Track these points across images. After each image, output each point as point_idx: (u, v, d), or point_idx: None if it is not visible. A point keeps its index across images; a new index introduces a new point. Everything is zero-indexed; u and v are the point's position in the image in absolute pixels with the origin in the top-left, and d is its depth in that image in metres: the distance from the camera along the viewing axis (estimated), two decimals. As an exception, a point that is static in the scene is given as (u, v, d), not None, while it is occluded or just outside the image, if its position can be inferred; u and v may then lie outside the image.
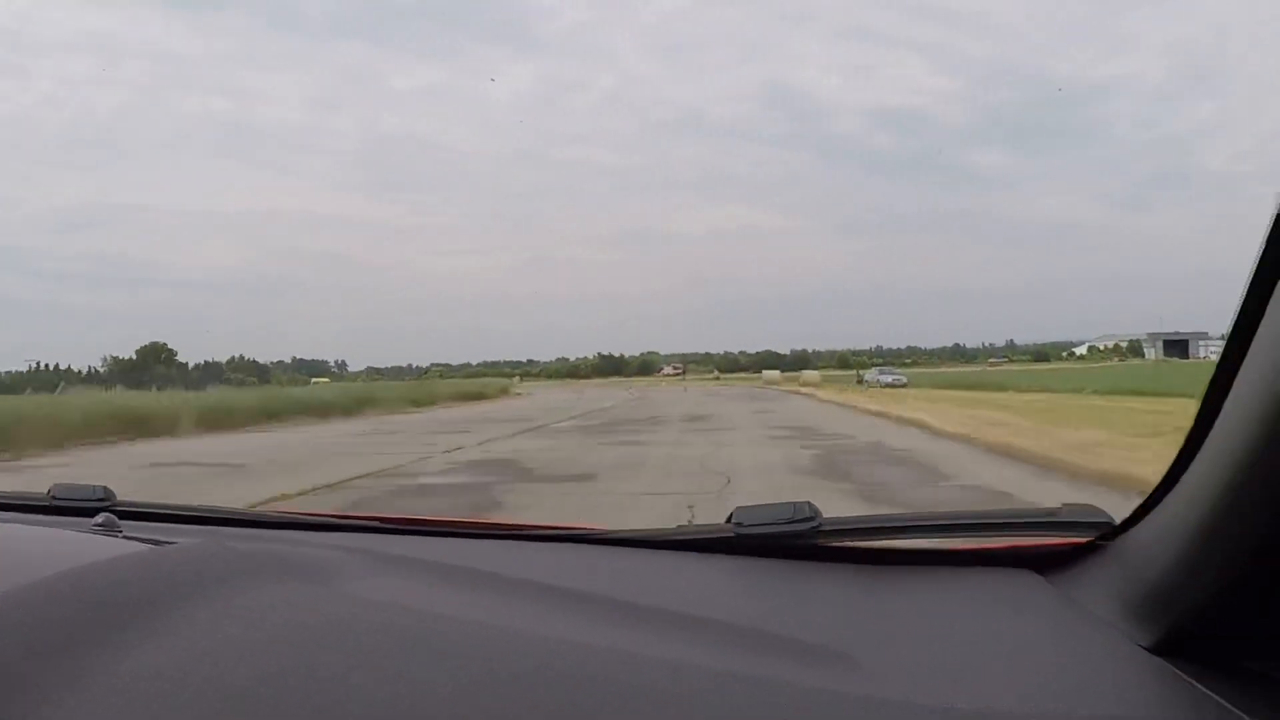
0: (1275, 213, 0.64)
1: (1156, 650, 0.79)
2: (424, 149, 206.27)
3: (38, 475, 11.10)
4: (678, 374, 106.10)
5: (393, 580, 0.93)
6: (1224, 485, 0.70)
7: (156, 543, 0.95)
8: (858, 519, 1.11)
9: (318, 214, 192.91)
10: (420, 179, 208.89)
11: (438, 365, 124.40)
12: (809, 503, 1.07)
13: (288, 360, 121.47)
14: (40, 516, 1.28)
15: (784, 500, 1.09)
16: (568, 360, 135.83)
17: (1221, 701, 0.71)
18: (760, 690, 0.70)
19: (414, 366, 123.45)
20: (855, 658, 0.79)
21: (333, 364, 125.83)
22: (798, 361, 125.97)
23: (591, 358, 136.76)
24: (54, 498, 1.33)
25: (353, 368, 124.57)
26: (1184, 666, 0.77)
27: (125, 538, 1.04)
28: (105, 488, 1.33)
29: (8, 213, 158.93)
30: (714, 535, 1.11)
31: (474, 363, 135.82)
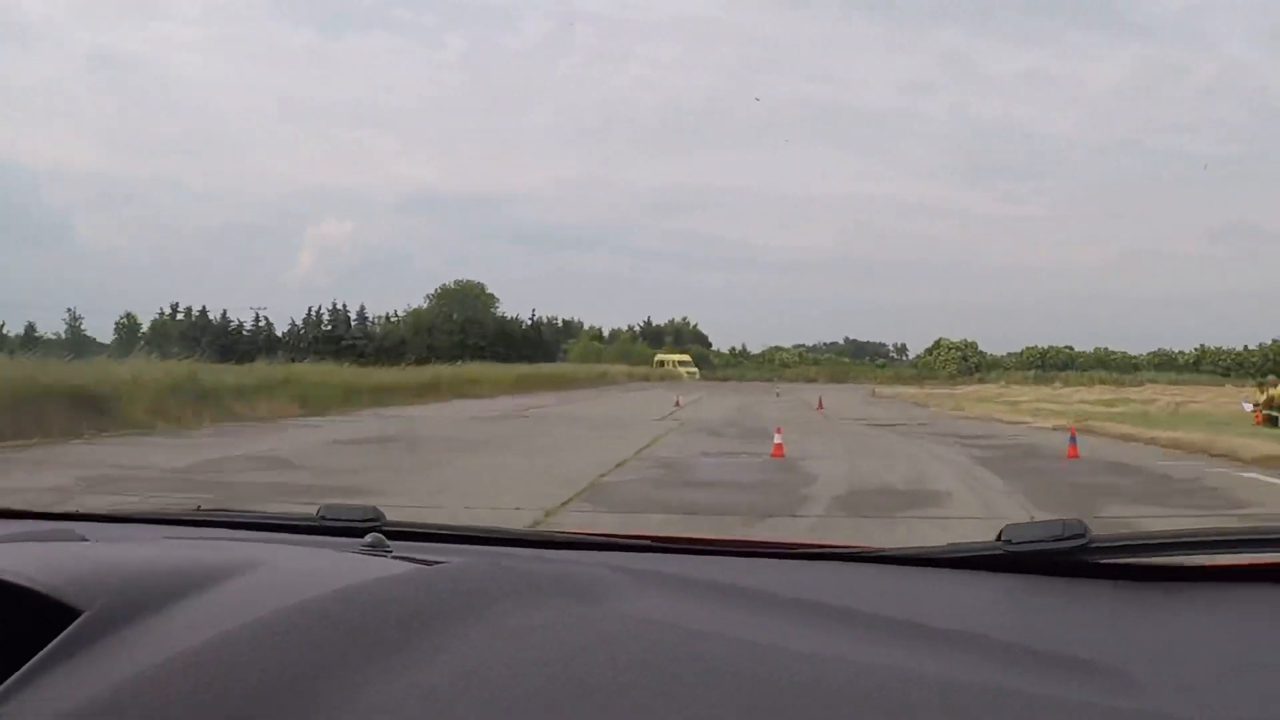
0: None
1: None
2: (1015, 136, 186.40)
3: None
4: None
5: (663, 599, 0.93)
6: None
7: (426, 563, 0.97)
8: (1129, 535, 1.09)
9: (906, 200, 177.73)
10: (1010, 166, 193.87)
11: (1013, 353, 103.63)
12: (1079, 519, 1.05)
13: (841, 341, 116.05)
14: (310, 537, 1.33)
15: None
16: (1169, 352, 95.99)
17: None
18: (1035, 706, 0.67)
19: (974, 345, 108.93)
20: (1132, 675, 0.77)
21: (891, 347, 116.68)
22: None
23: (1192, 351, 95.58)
24: (323, 518, 1.38)
25: (914, 351, 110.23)
26: None
27: (395, 557, 1.07)
28: (374, 508, 1.38)
29: (603, 193, 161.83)
30: (982, 553, 1.10)
31: (1040, 346, 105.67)
